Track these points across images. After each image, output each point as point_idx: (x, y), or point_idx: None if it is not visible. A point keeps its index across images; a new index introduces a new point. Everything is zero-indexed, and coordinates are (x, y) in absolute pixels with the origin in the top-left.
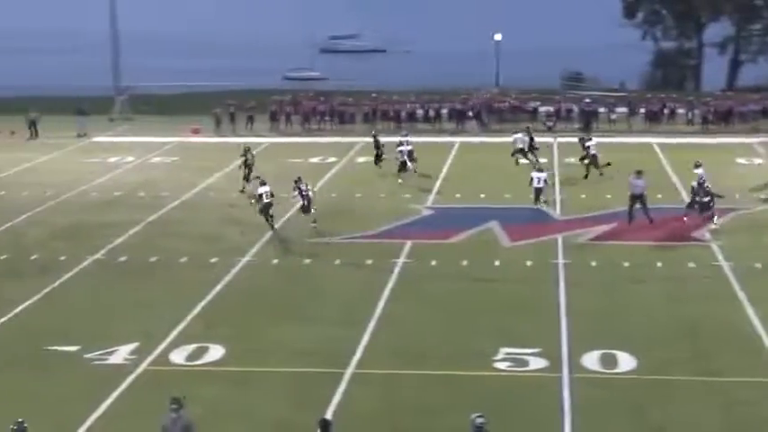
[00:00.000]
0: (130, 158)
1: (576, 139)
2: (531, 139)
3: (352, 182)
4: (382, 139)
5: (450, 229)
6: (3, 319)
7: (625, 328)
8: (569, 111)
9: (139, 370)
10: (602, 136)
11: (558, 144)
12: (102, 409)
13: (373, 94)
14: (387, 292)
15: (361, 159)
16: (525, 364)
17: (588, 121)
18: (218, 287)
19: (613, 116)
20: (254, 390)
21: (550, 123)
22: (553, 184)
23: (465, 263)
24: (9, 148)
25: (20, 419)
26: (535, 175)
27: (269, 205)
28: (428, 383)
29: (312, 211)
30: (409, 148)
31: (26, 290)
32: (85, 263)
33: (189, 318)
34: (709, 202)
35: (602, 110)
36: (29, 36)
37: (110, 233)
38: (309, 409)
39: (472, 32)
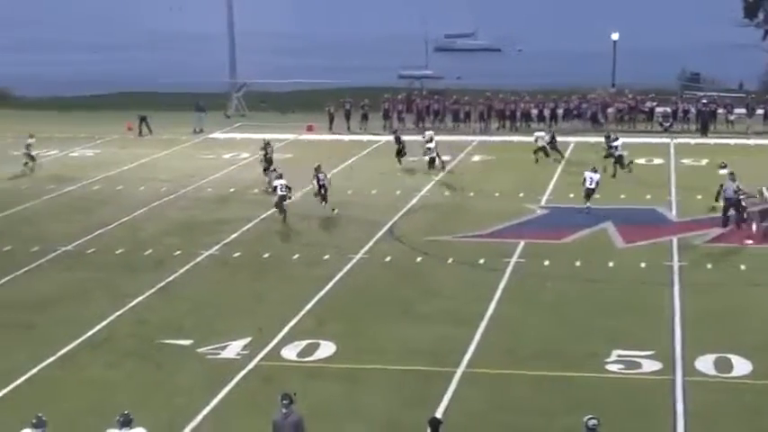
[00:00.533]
0: (245, 155)
1: (692, 141)
2: (553, 137)
3: (465, 181)
4: (495, 138)
5: (564, 230)
6: (118, 312)
7: (740, 332)
8: (686, 112)
9: (251, 365)
10: (720, 137)
11: (675, 145)
12: (213, 402)
13: (487, 93)
14: (499, 292)
15: (475, 158)
16: (638, 366)
17: (705, 122)
18: (331, 284)
19: (731, 117)
20: (365, 387)
21: (667, 124)
22: (669, 186)
23: (578, 263)
24: (127, 143)
25: (125, 411)
26: (588, 175)
27: (283, 198)
28: (539, 384)
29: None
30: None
31: (141, 284)
32: (199, 258)
33: (301, 314)
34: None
35: (720, 111)
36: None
37: (223, 229)
38: (419, 407)
39: (588, 32)
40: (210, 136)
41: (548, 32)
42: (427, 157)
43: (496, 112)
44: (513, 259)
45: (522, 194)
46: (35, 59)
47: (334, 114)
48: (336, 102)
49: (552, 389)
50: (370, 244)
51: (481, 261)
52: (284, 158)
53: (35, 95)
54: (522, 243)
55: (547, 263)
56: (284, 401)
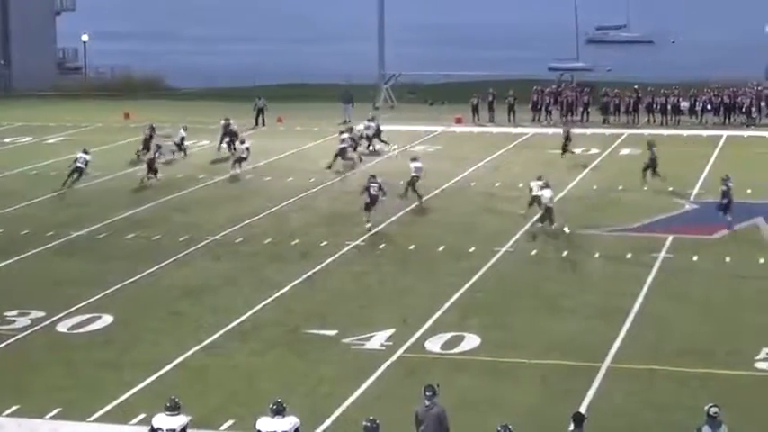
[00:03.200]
0: (394, 147)
1: None
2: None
3: (614, 174)
4: (644, 131)
5: (714, 225)
6: (266, 302)
7: None
8: None
9: (395, 356)
10: None
11: None
12: (357, 393)
13: (635, 86)
14: (646, 287)
15: (625, 151)
16: None
17: None
18: (476, 277)
19: None
20: (508, 380)
21: None
22: None
23: (728, 259)
24: (276, 134)
25: (279, 399)
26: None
27: (416, 178)
28: (685, 381)
29: (373, 211)
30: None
31: (288, 273)
32: (345, 249)
33: (445, 306)
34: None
35: None
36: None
37: (369, 220)
38: (563, 401)
39: (743, 23)
40: (358, 127)
41: (702, 24)
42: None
43: (646, 105)
44: (661, 254)
45: (671, 189)
46: (189, 50)
47: (479, 106)
48: (481, 93)
49: (699, 386)
50: (516, 237)
51: (628, 255)
52: (433, 150)
53: (188, 85)
54: (670, 238)
55: (695, 258)
56: (427, 393)
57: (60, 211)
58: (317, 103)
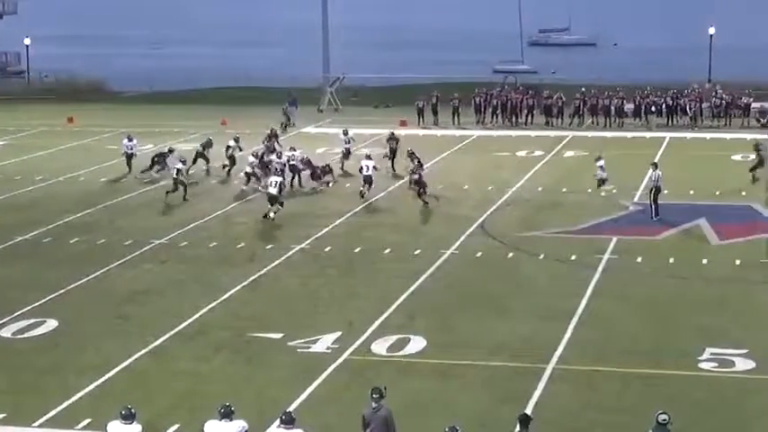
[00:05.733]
0: (337, 150)
1: None
2: None
3: (558, 176)
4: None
5: (658, 226)
6: (212, 305)
7: None
8: None
9: (341, 359)
10: None
11: None
12: (303, 396)
13: (582, 89)
14: (591, 289)
15: (569, 153)
16: (731, 365)
17: None
18: (421, 279)
19: None
20: (455, 382)
21: (764, 120)
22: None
23: (672, 260)
24: (222, 138)
25: (227, 402)
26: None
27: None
28: (630, 382)
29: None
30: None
31: (234, 277)
32: (291, 252)
33: (391, 309)
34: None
35: None
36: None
37: (315, 223)
38: (510, 403)
39: (684, 26)
40: (302, 130)
41: (643, 27)
42: None
43: (590, 107)
44: (606, 255)
45: (615, 191)
46: (129, 53)
47: (424, 109)
48: (426, 96)
49: (643, 387)
50: (462, 239)
51: (573, 257)
52: (378, 153)
53: (131, 89)
54: (614, 239)
55: (640, 259)
56: (374, 396)
57: (4, 215)
58: (262, 106)
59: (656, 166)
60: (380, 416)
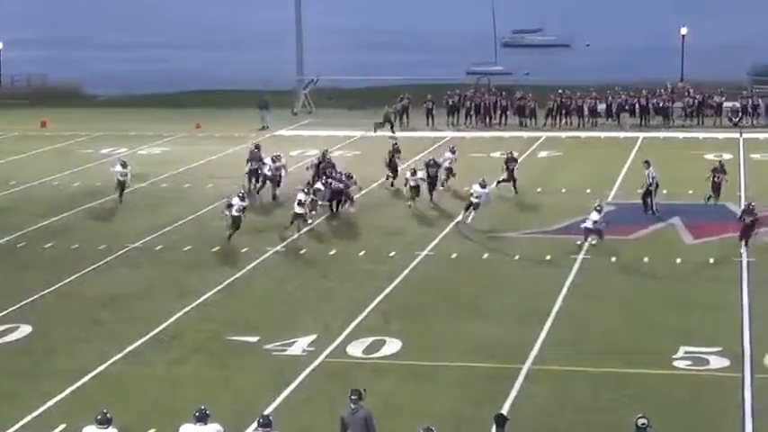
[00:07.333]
0: (313, 152)
1: (762, 135)
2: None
3: (533, 177)
4: (562, 134)
5: (632, 226)
6: (186, 309)
7: None
8: (756, 106)
9: (317, 362)
10: None
11: (745, 140)
12: (279, 399)
13: (559, 90)
14: (565, 289)
15: (543, 154)
16: (705, 363)
17: None
18: (397, 281)
19: None
20: (430, 384)
21: (736, 119)
22: (738, 181)
23: (646, 260)
24: (195, 141)
25: (202, 406)
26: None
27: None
28: (605, 381)
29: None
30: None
31: (208, 281)
32: (266, 255)
33: (366, 311)
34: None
35: None
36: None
37: (291, 226)
38: (485, 404)
39: (657, 27)
40: (277, 133)
41: (616, 27)
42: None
43: (563, 108)
44: (580, 256)
45: (589, 191)
46: (104, 57)
47: (391, 113)
48: (395, 100)
49: (618, 385)
50: (437, 241)
51: (548, 257)
52: (351, 155)
53: (104, 93)
54: (589, 239)
55: (614, 259)
56: (352, 397)
57: None
58: (235, 110)
59: (648, 164)
60: (359, 417)
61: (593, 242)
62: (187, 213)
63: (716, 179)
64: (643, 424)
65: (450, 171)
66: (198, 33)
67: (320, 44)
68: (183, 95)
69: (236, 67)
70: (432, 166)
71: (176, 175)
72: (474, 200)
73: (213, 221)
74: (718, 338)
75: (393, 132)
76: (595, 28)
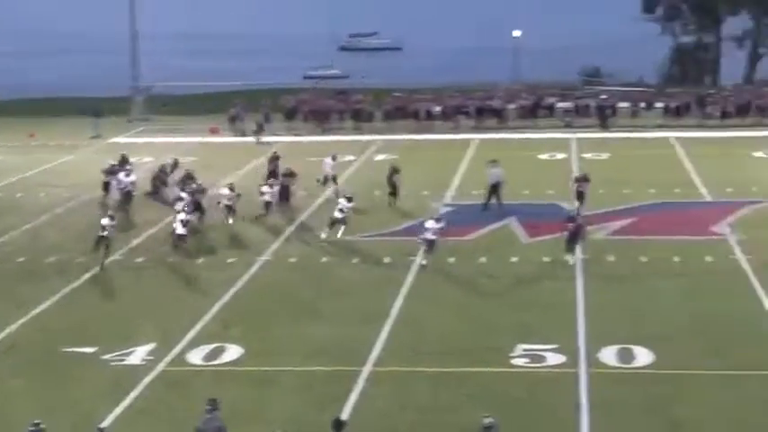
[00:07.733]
0: (148, 159)
1: (593, 135)
2: None
3: (370, 180)
4: (399, 137)
5: (469, 227)
6: (21, 321)
7: (643, 323)
8: (586, 106)
9: (157, 370)
10: (621, 131)
11: (577, 140)
12: (119, 409)
13: (397, 94)
14: (404, 290)
15: (379, 157)
16: (543, 359)
17: (604, 116)
18: (236, 287)
19: (628, 109)
20: (272, 389)
21: (568, 119)
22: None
23: (483, 260)
24: (29, 150)
25: (36, 420)
26: None
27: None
28: (445, 380)
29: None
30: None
31: (44, 291)
32: (104, 264)
33: (206, 318)
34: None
35: (622, 105)
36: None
37: (128, 234)
38: (328, 407)
39: (489, 29)
40: (112, 141)
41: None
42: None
43: (399, 111)
44: (418, 257)
45: (426, 192)
46: None
47: (236, 116)
48: (233, 104)
49: (458, 385)
50: (275, 246)
51: (386, 260)
52: (189, 162)
53: None
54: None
55: (452, 260)
56: (208, 407)
57: None
58: (68, 118)
59: (494, 163)
60: (214, 426)
61: (424, 262)
62: (21, 224)
63: (579, 188)
64: (489, 423)
65: (332, 178)
66: (28, 39)
67: (155, 50)
68: (11, 104)
69: (66, 73)
70: (288, 175)
71: (9, 185)
72: (339, 215)
73: (48, 231)
74: (555, 336)
75: (259, 140)
76: (429, 30)
